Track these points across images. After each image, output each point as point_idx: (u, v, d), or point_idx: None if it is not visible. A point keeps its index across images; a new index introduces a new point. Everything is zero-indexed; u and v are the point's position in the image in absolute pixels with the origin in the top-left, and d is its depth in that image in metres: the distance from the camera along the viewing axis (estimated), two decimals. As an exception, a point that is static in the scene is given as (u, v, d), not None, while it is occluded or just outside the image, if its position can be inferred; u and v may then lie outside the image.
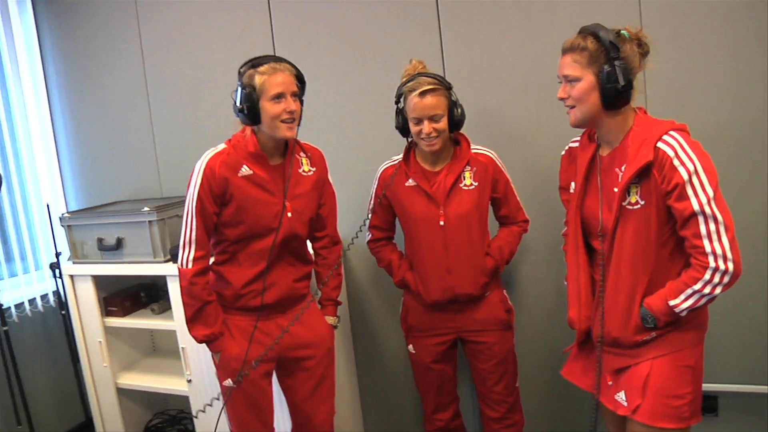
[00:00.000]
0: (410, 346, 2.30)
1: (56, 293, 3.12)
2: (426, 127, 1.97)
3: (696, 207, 1.43)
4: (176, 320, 2.53)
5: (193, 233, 1.85)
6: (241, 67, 1.83)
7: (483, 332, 2.17)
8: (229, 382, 1.96)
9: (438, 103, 1.96)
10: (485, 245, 2.15)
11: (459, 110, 2.02)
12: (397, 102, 2.06)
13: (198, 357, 2.50)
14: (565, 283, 1.91)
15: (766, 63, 2.02)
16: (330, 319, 2.17)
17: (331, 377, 2.16)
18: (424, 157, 2.12)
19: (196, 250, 1.86)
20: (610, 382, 1.67)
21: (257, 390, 2.00)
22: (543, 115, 2.34)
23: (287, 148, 1.95)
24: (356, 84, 2.61)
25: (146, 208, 2.56)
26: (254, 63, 1.81)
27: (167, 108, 2.99)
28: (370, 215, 2.27)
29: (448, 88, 2.01)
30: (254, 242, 1.90)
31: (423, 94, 1.94)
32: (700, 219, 1.44)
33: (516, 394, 2.27)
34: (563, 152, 1.87)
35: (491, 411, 2.26)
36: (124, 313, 2.79)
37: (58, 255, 2.92)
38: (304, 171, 1.98)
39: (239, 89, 1.80)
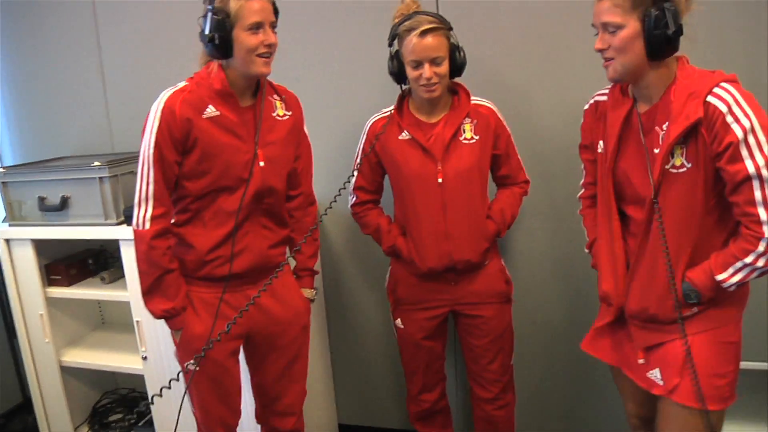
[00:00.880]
0: (398, 321, 2.08)
1: (-11, 260, 2.75)
2: (427, 70, 1.75)
3: (751, 170, 1.26)
4: (130, 291, 2.26)
5: (151, 187, 1.57)
6: None
7: (480, 305, 1.98)
8: (191, 364, 1.69)
9: (439, 44, 1.75)
10: (486, 207, 1.96)
11: (461, 54, 1.81)
12: (391, 44, 1.83)
13: (155, 331, 2.23)
14: (586, 250, 1.75)
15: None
16: (306, 292, 1.93)
17: (305, 357, 1.93)
18: (420, 107, 1.90)
19: (154, 208, 1.58)
20: (641, 360, 1.51)
21: (223, 371, 1.74)
22: (545, 67, 2.14)
23: (258, 88, 1.70)
24: (340, 22, 2.32)
25: (96, 163, 2.25)
26: None
27: (120, 51, 2.63)
28: (355, 174, 2.03)
29: (449, 28, 1.79)
30: (221, 197, 1.65)
31: (423, 33, 1.72)
32: (755, 183, 1.26)
33: (510, 373, 2.10)
34: (587, 106, 1.67)
35: (483, 391, 2.07)
36: (69, 282, 2.48)
37: (-9, 216, 2.56)
38: (278, 115, 1.73)
39: (209, 15, 1.52)
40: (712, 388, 1.38)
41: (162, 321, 1.70)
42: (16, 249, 2.41)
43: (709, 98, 1.29)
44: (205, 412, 1.78)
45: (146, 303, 1.64)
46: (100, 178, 2.25)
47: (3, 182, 2.39)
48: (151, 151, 1.55)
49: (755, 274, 1.33)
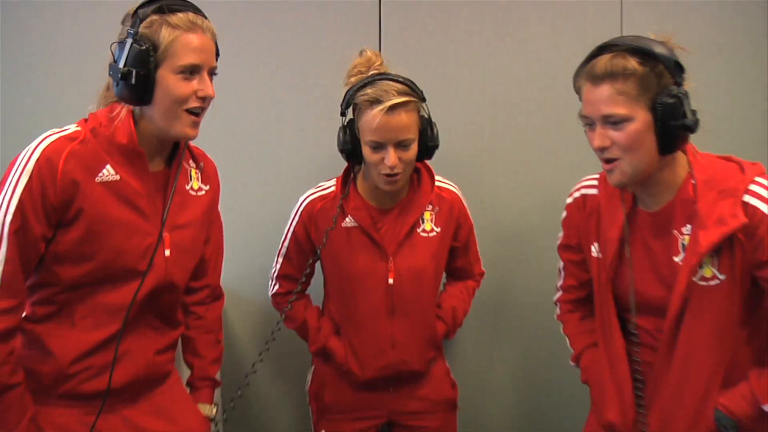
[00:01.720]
0: (322, 432, 1.75)
1: None
2: (391, 156, 1.44)
3: None
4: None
5: None
6: (139, 8, 1.20)
7: (424, 414, 1.68)
8: None
9: (409, 122, 1.46)
10: (435, 306, 1.71)
11: (434, 131, 1.53)
12: (344, 112, 1.53)
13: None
14: (572, 363, 1.54)
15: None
16: (205, 408, 1.51)
17: None
18: (371, 190, 1.61)
19: (0, 299, 1.14)
20: None
21: None
22: (503, 138, 2.01)
23: (175, 150, 1.35)
24: (272, 73, 2.02)
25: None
26: (163, 7, 1.18)
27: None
28: (280, 261, 1.73)
29: (421, 99, 1.51)
30: (103, 291, 1.24)
31: (393, 109, 1.42)
32: None
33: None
34: (570, 199, 1.46)
35: None
36: None
37: None
38: (193, 189, 1.38)
39: (128, 42, 1.16)
40: None
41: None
42: None
43: (747, 198, 1.13)
44: None
45: None
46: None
47: None
48: (9, 217, 1.12)
49: None
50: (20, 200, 1.13)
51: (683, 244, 1.20)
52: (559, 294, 1.60)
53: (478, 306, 1.93)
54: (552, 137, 2.05)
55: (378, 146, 1.47)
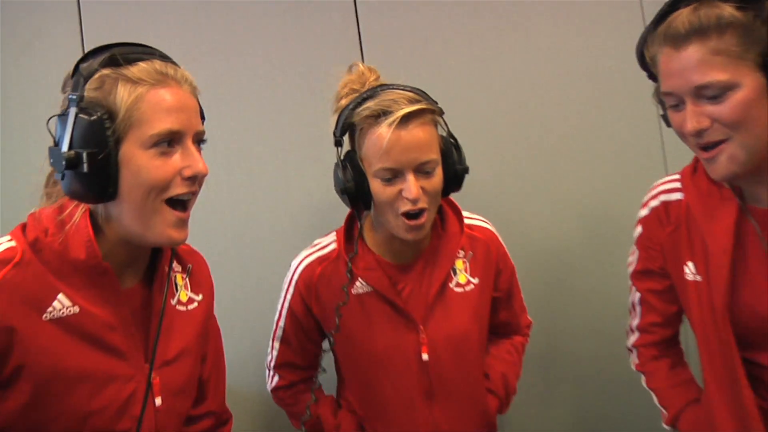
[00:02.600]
0: None
1: None
2: (411, 186, 1.09)
3: None
4: None
5: None
6: (81, 62, 0.86)
7: None
8: None
9: (429, 139, 1.12)
10: (484, 377, 1.33)
11: (460, 152, 1.18)
12: (339, 142, 1.17)
13: None
14: (666, 427, 1.20)
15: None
16: None
17: None
18: (384, 242, 1.24)
19: None
20: None
21: None
22: (522, 151, 1.72)
23: (157, 253, 0.99)
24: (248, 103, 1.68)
25: None
26: (116, 56, 0.85)
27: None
28: (276, 346, 1.34)
29: (440, 112, 1.17)
30: None
31: (405, 122, 1.08)
32: None
33: None
34: (646, 211, 1.15)
35: None
36: None
37: None
38: (180, 302, 1.02)
39: (72, 112, 0.82)
40: None
41: None
42: None
43: None
44: None
45: None
46: None
47: None
48: None
49: None
50: None
51: None
52: (635, 337, 1.25)
53: (525, 363, 1.54)
54: (580, 141, 1.76)
55: (392, 176, 1.11)
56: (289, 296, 1.30)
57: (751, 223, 0.98)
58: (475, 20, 1.77)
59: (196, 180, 0.88)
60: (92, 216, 0.88)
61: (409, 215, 1.13)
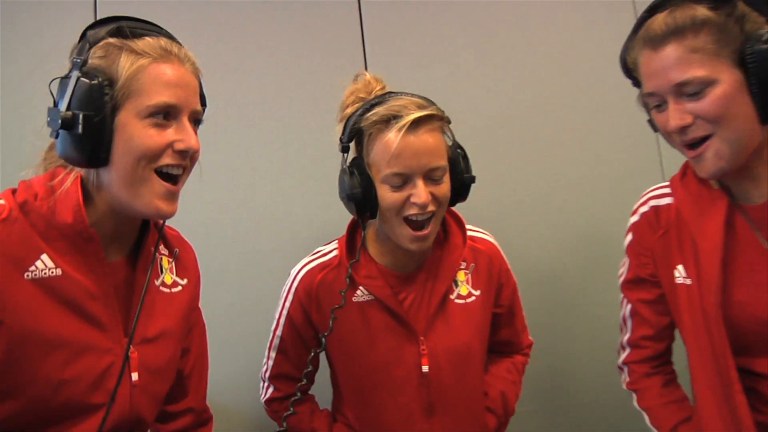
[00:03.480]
0: None
1: None
2: (421, 190, 1.08)
3: None
4: None
5: None
6: (89, 29, 0.88)
7: None
8: None
9: (438, 146, 1.11)
10: (483, 394, 1.29)
11: (467, 160, 1.18)
12: (346, 148, 1.17)
13: None
14: None
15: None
16: None
17: None
18: (387, 251, 1.23)
19: None
20: None
21: None
22: (520, 171, 1.72)
23: (145, 231, 0.99)
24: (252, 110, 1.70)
25: None
26: (124, 28, 0.87)
27: None
28: (272, 356, 1.32)
29: (447, 120, 1.16)
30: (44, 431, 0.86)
31: (415, 127, 1.08)
32: None
33: None
34: (635, 217, 1.15)
35: None
36: None
37: None
38: (164, 284, 1.01)
39: (73, 76, 0.84)
40: None
41: None
42: None
43: None
44: None
45: None
46: None
47: None
48: None
49: None
50: None
51: None
52: (626, 353, 1.22)
53: (526, 386, 1.49)
54: (581, 160, 1.78)
55: (401, 182, 1.10)
56: (288, 304, 1.28)
57: (741, 221, 0.97)
58: (477, 36, 1.80)
59: (187, 155, 0.89)
60: (83, 185, 0.88)
61: (414, 225, 1.12)
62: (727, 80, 0.87)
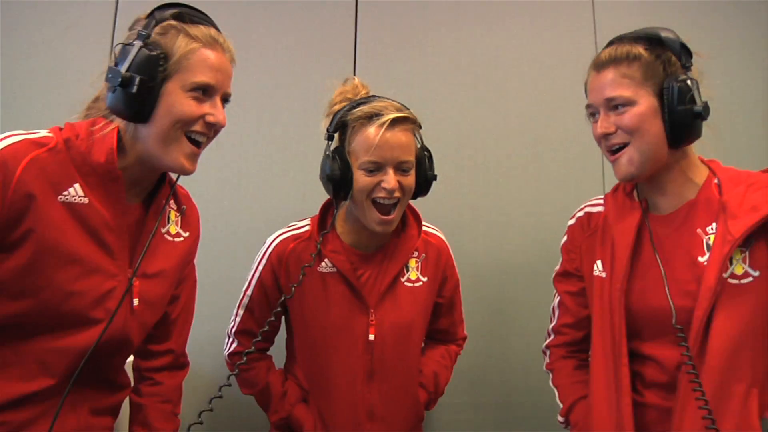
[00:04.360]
0: None
1: None
2: (391, 178, 1.26)
3: None
4: None
5: None
6: (156, 9, 1.03)
7: None
8: None
9: (410, 144, 1.30)
10: (419, 370, 1.46)
11: (431, 161, 1.36)
12: (330, 137, 1.33)
13: None
14: (560, 419, 1.32)
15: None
16: None
17: None
18: (352, 230, 1.39)
19: None
20: None
21: None
22: (484, 185, 1.88)
23: (161, 184, 1.14)
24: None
25: None
26: (184, 14, 1.04)
27: None
28: (240, 313, 1.46)
29: (419, 126, 1.34)
30: (42, 338, 1.00)
31: (393, 125, 1.26)
32: None
33: None
34: (572, 221, 1.34)
35: None
36: None
37: None
38: (169, 233, 1.16)
39: (136, 45, 0.99)
40: None
41: None
42: None
43: None
44: None
45: None
46: None
47: None
48: None
49: None
50: None
51: (708, 244, 1.09)
52: (550, 338, 1.41)
53: (457, 379, 1.67)
54: (539, 184, 1.96)
55: (375, 168, 1.27)
56: (260, 267, 1.43)
57: (651, 227, 1.17)
58: (454, 64, 2.00)
59: (213, 127, 1.05)
60: (119, 135, 1.03)
61: (381, 210, 1.29)
62: (645, 104, 1.09)
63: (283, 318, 1.49)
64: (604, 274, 1.21)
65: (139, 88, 0.97)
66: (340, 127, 1.32)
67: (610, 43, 1.17)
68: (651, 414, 1.14)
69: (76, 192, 0.99)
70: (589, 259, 1.26)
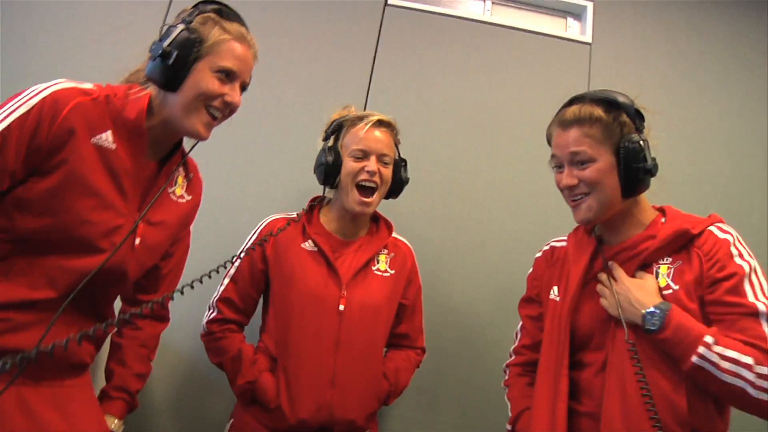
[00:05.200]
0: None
1: None
2: (373, 163, 1.52)
3: (762, 308, 1.12)
4: None
5: None
6: (201, 3, 1.22)
7: None
8: None
9: (390, 144, 1.58)
10: (383, 357, 1.56)
11: (405, 169, 1.64)
12: (327, 138, 1.60)
13: None
14: (508, 427, 1.41)
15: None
16: (112, 422, 1.29)
17: None
18: (335, 220, 1.59)
19: None
20: None
21: None
22: (475, 221, 2.00)
23: (175, 150, 1.29)
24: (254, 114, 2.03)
25: None
26: (223, 11, 1.22)
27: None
28: (225, 283, 1.57)
29: (398, 139, 1.63)
30: (53, 256, 1.11)
31: (377, 125, 1.55)
32: (763, 321, 1.11)
33: None
34: (539, 253, 1.48)
35: None
36: None
37: None
38: (174, 194, 1.29)
39: (179, 26, 1.16)
40: None
41: None
42: None
43: (712, 228, 1.22)
44: None
45: None
46: None
47: None
48: None
49: (739, 384, 1.07)
50: (8, 126, 1.04)
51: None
52: (510, 359, 1.51)
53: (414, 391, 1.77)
54: (523, 215, 2.09)
55: (362, 155, 1.53)
56: (251, 240, 1.57)
57: (601, 259, 1.31)
58: (457, 108, 2.17)
59: (229, 106, 1.21)
60: (150, 100, 1.18)
61: (363, 193, 1.50)
62: (604, 161, 1.23)
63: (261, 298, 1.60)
64: (558, 298, 1.34)
65: (174, 61, 1.13)
66: (336, 128, 1.57)
67: (571, 102, 1.30)
68: (585, 422, 1.22)
69: (107, 138, 1.14)
70: (548, 285, 1.40)
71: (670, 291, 1.19)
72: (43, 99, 1.06)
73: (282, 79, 2.11)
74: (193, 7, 1.20)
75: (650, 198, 1.32)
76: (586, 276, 1.30)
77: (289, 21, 2.18)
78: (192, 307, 1.68)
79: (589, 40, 2.27)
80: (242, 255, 1.54)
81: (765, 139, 2.24)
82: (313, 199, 1.63)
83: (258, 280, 1.56)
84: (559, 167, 1.28)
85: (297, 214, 1.55)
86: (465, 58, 2.21)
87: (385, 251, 1.60)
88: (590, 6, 2.33)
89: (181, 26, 1.15)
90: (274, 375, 1.47)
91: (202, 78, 1.15)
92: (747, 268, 1.15)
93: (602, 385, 1.20)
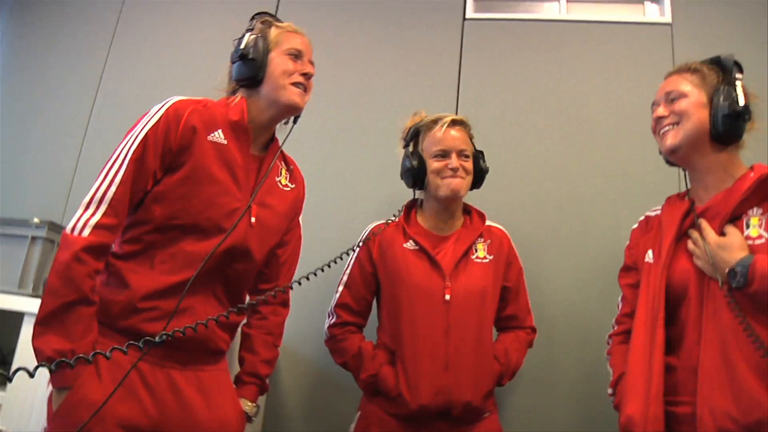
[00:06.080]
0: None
1: None
2: (454, 159, 1.63)
3: None
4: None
5: (112, 189, 1.22)
6: (255, 16, 1.47)
7: None
8: None
9: (466, 140, 1.69)
10: (493, 341, 1.63)
11: (484, 160, 1.72)
12: (407, 145, 1.72)
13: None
14: (610, 390, 1.44)
15: None
16: (246, 405, 1.44)
17: None
18: (431, 217, 1.71)
19: (105, 214, 1.20)
20: None
21: None
22: (557, 223, 2.04)
23: (272, 141, 1.47)
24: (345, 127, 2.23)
25: (36, 220, 1.89)
26: (271, 19, 1.47)
27: (104, 141, 2.37)
28: (340, 290, 1.72)
29: (471, 129, 1.73)
30: (186, 240, 1.29)
31: (452, 124, 1.67)
32: None
33: None
34: (635, 225, 1.53)
35: None
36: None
37: None
38: (281, 183, 1.48)
39: (246, 35, 1.41)
40: None
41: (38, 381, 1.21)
42: None
43: None
44: None
45: (35, 337, 1.14)
46: (33, 237, 1.87)
47: None
48: (133, 147, 1.25)
49: None
50: (146, 135, 1.27)
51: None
52: (613, 329, 1.54)
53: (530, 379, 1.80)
54: (618, 209, 2.08)
55: (442, 155, 1.64)
56: (358, 249, 1.70)
57: (692, 217, 1.33)
58: (546, 109, 2.22)
59: (307, 76, 1.42)
60: (245, 100, 1.40)
61: (451, 175, 1.62)
62: (695, 97, 1.32)
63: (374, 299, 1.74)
64: (652, 261, 1.38)
65: (253, 56, 1.37)
66: (414, 135, 1.69)
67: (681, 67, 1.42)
68: (683, 375, 1.25)
69: (219, 135, 1.35)
70: (643, 251, 1.43)
71: (763, 240, 1.20)
72: (167, 110, 1.30)
73: (374, 105, 2.28)
74: (251, 20, 1.47)
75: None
76: (678, 234, 1.32)
77: (372, 47, 2.35)
78: (312, 323, 1.90)
79: (669, 21, 2.24)
80: (350, 252, 1.67)
81: None
82: (409, 203, 1.75)
83: (369, 282, 1.69)
84: (656, 104, 1.38)
85: (394, 215, 1.66)
86: (547, 58, 2.26)
87: (482, 239, 1.68)
88: (666, -14, 2.30)
89: (246, 33, 1.40)
90: (393, 367, 1.58)
91: (279, 61, 1.38)
92: None
93: (698, 339, 1.22)
